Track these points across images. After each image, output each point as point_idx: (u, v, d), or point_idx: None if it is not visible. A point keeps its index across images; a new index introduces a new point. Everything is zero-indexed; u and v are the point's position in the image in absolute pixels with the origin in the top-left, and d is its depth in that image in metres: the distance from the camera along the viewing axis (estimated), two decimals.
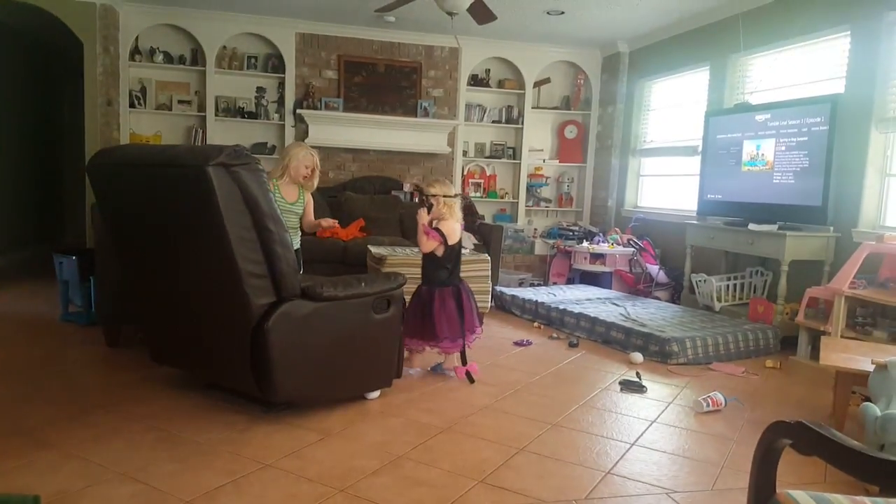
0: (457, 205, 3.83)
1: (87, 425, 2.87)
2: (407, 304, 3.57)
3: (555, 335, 4.98)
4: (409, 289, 3.55)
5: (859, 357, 3.16)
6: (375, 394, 3.36)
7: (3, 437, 2.70)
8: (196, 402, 3.20)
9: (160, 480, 2.38)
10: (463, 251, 5.22)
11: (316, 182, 4.07)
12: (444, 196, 3.77)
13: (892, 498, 1.41)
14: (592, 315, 4.96)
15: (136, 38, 6.71)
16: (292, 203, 3.97)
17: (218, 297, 2.91)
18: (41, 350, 4.06)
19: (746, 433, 3.11)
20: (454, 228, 3.78)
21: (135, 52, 6.71)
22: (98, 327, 4.30)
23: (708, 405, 3.39)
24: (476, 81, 7.61)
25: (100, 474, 2.41)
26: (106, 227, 3.41)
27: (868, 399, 2.93)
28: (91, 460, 2.52)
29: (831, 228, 4.69)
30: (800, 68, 5.16)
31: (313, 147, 6.92)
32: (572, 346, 4.67)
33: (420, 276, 3.83)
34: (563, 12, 6.17)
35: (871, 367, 2.92)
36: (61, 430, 2.80)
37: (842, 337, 3.98)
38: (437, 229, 3.73)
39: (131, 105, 6.71)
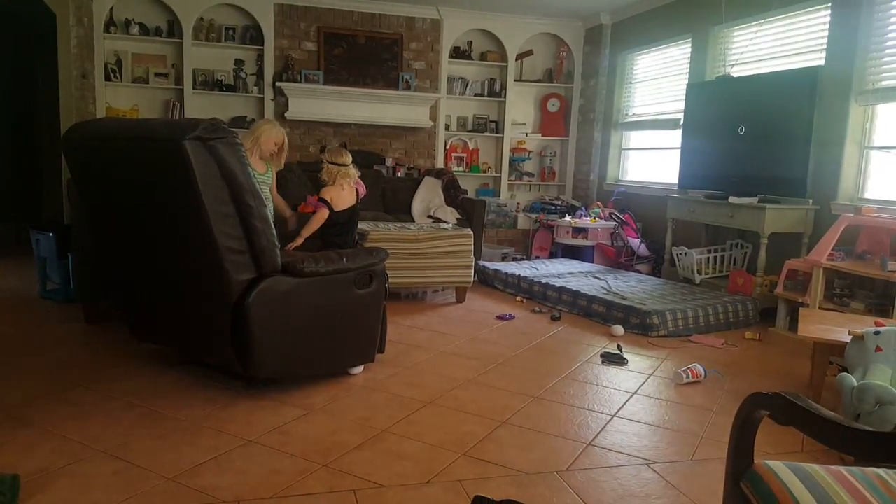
0: (341, 173, 4.14)
1: (67, 403, 2.85)
2: None
3: (537, 309, 5.00)
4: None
5: (837, 328, 3.21)
6: (359, 369, 3.37)
7: None
8: (177, 379, 3.19)
9: (141, 458, 2.37)
10: (445, 226, 5.23)
11: (283, 161, 4.15)
12: (330, 162, 4.12)
13: (866, 467, 1.43)
14: (574, 289, 4.98)
15: (111, 9, 6.53)
16: (262, 174, 4.00)
17: (197, 273, 2.87)
18: (19, 327, 4.01)
19: (726, 404, 3.16)
20: (339, 195, 4.13)
21: (109, 23, 6.54)
22: (77, 304, 4.26)
23: (688, 377, 3.44)
24: (458, 54, 7.52)
25: (80, 452, 2.40)
26: (82, 203, 3.35)
27: (845, 369, 2.98)
28: (71, 438, 2.51)
29: (810, 201, 4.74)
30: (781, 41, 5.15)
31: (294, 121, 6.88)
32: (554, 319, 4.70)
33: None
34: None
35: (847, 338, 2.97)
36: (40, 408, 2.77)
37: (820, 308, 4.03)
38: (323, 199, 4.08)
39: (107, 78, 6.56)
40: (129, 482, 2.20)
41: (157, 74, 6.76)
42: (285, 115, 6.84)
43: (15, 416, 2.69)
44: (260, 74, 6.96)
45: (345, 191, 4.17)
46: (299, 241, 4.01)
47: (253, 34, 6.90)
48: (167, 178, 2.67)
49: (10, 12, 7.59)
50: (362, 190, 4.46)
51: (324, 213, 4.06)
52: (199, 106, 6.78)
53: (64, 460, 2.33)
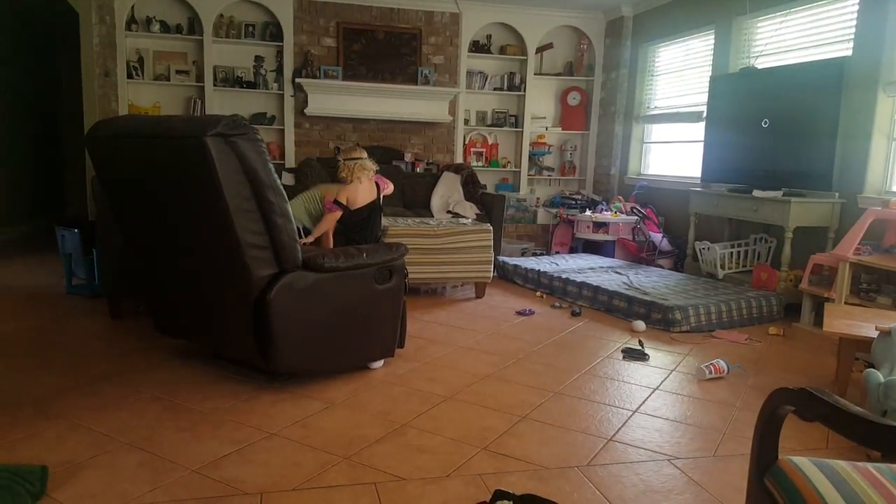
0: (358, 165, 4.14)
1: (93, 395, 2.89)
2: None
3: (557, 304, 4.98)
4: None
5: (863, 323, 3.16)
6: (379, 363, 3.38)
7: (10, 408, 2.73)
8: (200, 372, 3.22)
9: (166, 449, 2.40)
10: (465, 221, 5.21)
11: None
12: (346, 160, 4.16)
13: (893, 463, 1.41)
14: (595, 284, 4.95)
15: (133, 7, 6.60)
16: None
17: (220, 269, 2.90)
18: (46, 322, 4.07)
19: (749, 400, 3.12)
20: (355, 193, 4.16)
21: (131, 21, 6.61)
22: (102, 299, 4.32)
23: (711, 372, 3.40)
24: (477, 48, 7.49)
25: (106, 444, 2.44)
26: (106, 199, 3.39)
27: (871, 365, 2.93)
28: (97, 430, 2.55)
29: (836, 194, 4.66)
30: (806, 31, 5.07)
31: (314, 117, 6.92)
32: (575, 314, 4.68)
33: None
34: None
35: (874, 334, 2.92)
36: (67, 401, 2.82)
37: (846, 303, 3.97)
38: (338, 201, 4.11)
39: (129, 76, 6.64)
40: (154, 473, 2.23)
41: (178, 72, 6.83)
42: (304, 111, 6.88)
43: (42, 409, 2.74)
44: (279, 71, 7.00)
45: (363, 184, 4.18)
46: (310, 238, 4.07)
47: (272, 30, 6.94)
48: (189, 174, 2.69)
49: (34, 11, 7.71)
50: (384, 185, 4.45)
51: (335, 216, 4.12)
52: (219, 102, 6.85)
53: (90, 452, 2.37)
